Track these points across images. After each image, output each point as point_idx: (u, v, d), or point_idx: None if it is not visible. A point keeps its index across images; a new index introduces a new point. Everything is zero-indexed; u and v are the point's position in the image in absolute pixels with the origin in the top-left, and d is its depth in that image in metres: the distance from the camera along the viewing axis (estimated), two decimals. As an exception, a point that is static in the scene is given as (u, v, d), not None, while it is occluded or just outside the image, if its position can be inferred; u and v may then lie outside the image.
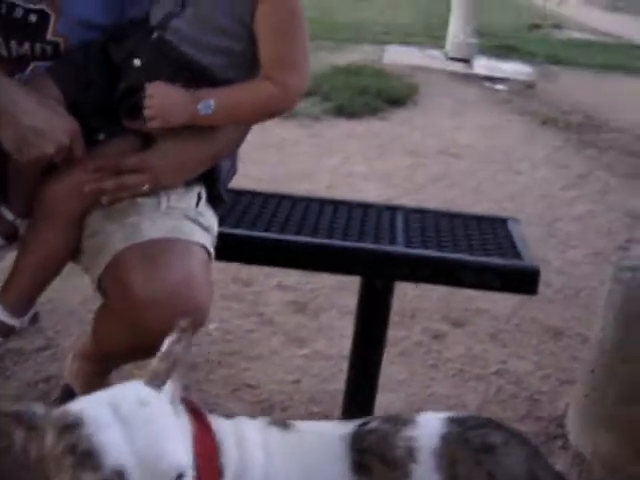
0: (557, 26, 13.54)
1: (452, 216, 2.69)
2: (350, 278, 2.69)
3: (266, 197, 2.67)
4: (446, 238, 2.48)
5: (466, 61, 9.02)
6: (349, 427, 1.55)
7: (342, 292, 3.53)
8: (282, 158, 5.58)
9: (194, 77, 1.95)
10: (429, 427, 1.53)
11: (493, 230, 2.58)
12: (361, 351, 2.51)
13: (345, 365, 2.60)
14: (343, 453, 1.50)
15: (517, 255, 2.39)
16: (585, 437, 2.68)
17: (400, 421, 1.55)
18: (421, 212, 2.69)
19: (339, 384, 2.67)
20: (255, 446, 1.49)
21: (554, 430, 2.78)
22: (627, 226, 4.82)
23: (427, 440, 1.50)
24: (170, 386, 1.31)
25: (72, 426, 1.20)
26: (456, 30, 9.21)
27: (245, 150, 2.32)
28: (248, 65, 2.00)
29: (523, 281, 2.35)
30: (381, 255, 2.36)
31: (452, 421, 1.54)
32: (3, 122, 1.82)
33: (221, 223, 2.14)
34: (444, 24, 9.53)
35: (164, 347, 1.34)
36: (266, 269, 3.59)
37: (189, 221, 1.97)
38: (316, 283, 3.67)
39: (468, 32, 9.14)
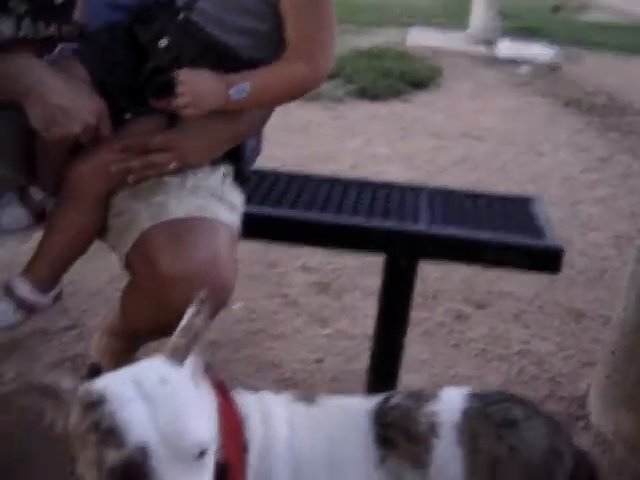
0: (581, 8, 13.42)
1: (476, 196, 2.69)
2: (373, 259, 2.69)
3: (291, 177, 2.69)
4: (470, 217, 2.49)
5: (489, 43, 8.98)
6: (373, 402, 1.57)
7: (365, 273, 3.54)
8: (306, 140, 5.59)
9: (220, 58, 1.96)
10: (451, 402, 1.55)
11: (517, 210, 2.58)
12: (384, 329, 2.53)
13: (368, 345, 2.62)
14: (367, 427, 1.52)
15: (541, 234, 2.39)
16: (606, 417, 2.68)
17: (422, 397, 1.57)
18: (445, 192, 2.70)
19: (362, 363, 2.69)
20: (280, 421, 1.50)
21: (576, 411, 2.79)
22: (649, 209, 4.80)
23: (449, 415, 1.52)
24: (192, 361, 1.31)
25: (96, 403, 1.22)
26: (479, 12, 9.18)
27: (269, 132, 2.33)
28: (274, 46, 2.01)
29: (547, 260, 2.35)
30: (405, 234, 2.37)
31: (474, 397, 1.56)
32: (31, 101, 1.84)
33: (246, 202, 2.16)
34: (467, 6, 9.49)
35: (184, 321, 1.34)
36: (290, 251, 3.61)
37: (215, 200, 1.98)
38: (339, 264, 3.68)
39: (491, 14, 9.11)
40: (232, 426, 1.42)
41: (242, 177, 2.15)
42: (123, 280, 2.10)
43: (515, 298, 3.56)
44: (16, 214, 2.09)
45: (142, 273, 1.92)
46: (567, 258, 2.35)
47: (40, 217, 2.11)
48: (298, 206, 2.46)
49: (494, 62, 8.47)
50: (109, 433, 1.18)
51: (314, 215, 2.41)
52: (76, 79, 1.94)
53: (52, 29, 2.01)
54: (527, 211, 2.58)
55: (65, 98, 1.86)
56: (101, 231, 2.04)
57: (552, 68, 8.31)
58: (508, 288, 3.61)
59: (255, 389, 1.59)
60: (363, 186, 2.67)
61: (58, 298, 2.12)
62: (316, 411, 1.56)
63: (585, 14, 13.02)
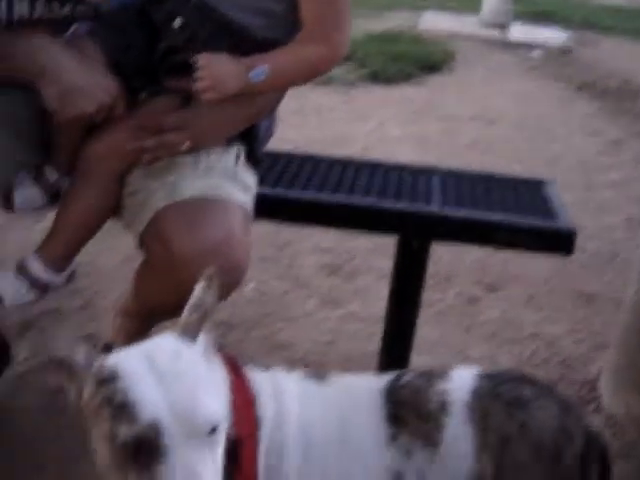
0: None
1: (488, 179, 2.69)
2: (385, 241, 2.70)
3: (303, 159, 2.69)
4: (482, 200, 2.49)
5: (502, 27, 8.96)
6: (384, 380, 1.58)
7: (377, 255, 3.54)
8: (318, 123, 5.59)
9: (234, 38, 1.96)
10: (461, 381, 1.55)
11: (529, 192, 2.58)
12: (396, 311, 2.53)
13: (380, 327, 2.62)
14: (378, 405, 1.53)
15: (553, 216, 2.40)
16: (618, 400, 2.69)
17: (434, 375, 1.57)
18: (457, 175, 2.70)
19: (373, 345, 2.69)
20: (291, 398, 1.51)
21: (587, 393, 2.79)
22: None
23: (459, 394, 1.52)
24: (203, 338, 1.32)
25: (108, 379, 1.23)
26: (492, -5, 9.15)
27: (281, 115, 2.34)
28: (288, 27, 2.00)
29: (559, 241, 2.35)
30: (417, 215, 2.37)
31: (484, 376, 1.57)
32: (46, 81, 1.85)
33: (259, 183, 2.16)
34: (480, -11, 9.46)
35: (193, 298, 1.34)
36: (302, 232, 3.62)
37: (228, 180, 1.98)
38: (351, 246, 3.69)
39: (504, -2, 9.08)
40: (244, 403, 1.43)
41: (255, 158, 2.15)
42: (136, 260, 2.10)
43: (527, 281, 3.57)
44: (30, 194, 2.10)
45: (156, 252, 1.92)
46: (579, 241, 2.35)
47: (54, 197, 2.11)
48: (310, 187, 2.46)
49: (507, 46, 8.45)
50: (121, 408, 1.19)
51: (326, 196, 2.41)
52: (90, 59, 1.94)
53: (66, 9, 2.01)
54: (540, 194, 2.58)
55: (79, 78, 1.87)
56: (115, 210, 2.05)
57: (565, 52, 8.29)
58: (520, 271, 3.62)
59: (266, 368, 1.60)
60: (375, 168, 2.67)
61: (71, 277, 2.13)
62: (327, 389, 1.57)
63: (599, -3, 12.96)
